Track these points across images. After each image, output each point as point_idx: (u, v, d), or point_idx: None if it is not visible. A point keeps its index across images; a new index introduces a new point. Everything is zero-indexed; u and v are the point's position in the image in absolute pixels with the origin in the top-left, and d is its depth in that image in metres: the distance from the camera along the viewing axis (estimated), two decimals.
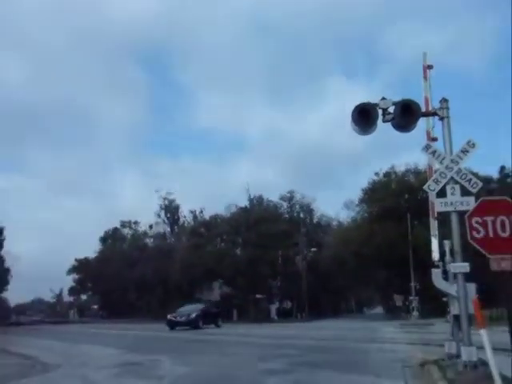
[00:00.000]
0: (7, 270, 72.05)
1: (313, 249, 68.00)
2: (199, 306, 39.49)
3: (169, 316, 36.79)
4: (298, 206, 76.63)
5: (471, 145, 10.92)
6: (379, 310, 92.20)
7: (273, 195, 76.31)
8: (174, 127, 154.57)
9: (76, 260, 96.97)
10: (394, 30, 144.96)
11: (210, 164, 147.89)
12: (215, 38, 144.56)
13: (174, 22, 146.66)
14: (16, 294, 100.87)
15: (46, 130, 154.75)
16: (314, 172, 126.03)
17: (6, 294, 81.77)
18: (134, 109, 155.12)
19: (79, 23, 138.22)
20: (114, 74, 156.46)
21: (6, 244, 71.73)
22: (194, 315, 35.69)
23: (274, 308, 63.40)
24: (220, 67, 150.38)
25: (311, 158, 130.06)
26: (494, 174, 57.88)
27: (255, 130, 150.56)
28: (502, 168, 58.88)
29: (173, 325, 35.42)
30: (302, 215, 76.64)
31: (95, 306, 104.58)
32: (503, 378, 7.52)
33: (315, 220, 79.58)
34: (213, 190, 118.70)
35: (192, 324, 35.06)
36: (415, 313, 48.79)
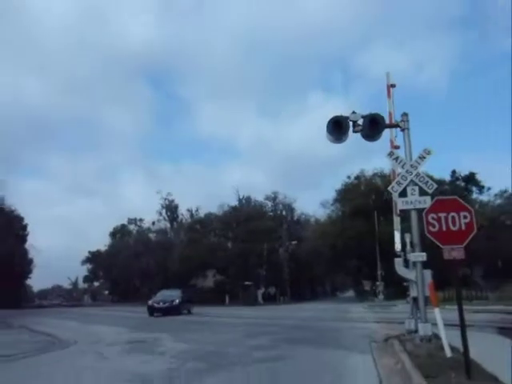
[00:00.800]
0: (31, 261, 71.96)
1: (294, 242, 68.06)
2: (179, 293, 32.79)
3: (150, 302, 31.41)
4: (280, 205, 76.66)
5: (427, 152, 11.08)
6: (351, 293, 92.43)
7: (260, 195, 76.47)
8: (175, 135, 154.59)
9: (89, 252, 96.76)
10: (367, 51, 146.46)
11: (205, 168, 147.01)
12: (212, 58, 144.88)
13: (176, 43, 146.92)
14: (38, 282, 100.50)
15: (64, 138, 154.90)
16: (297, 175, 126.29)
17: (29, 282, 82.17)
18: (140, 119, 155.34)
19: (92, 43, 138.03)
20: (123, 89, 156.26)
21: (29, 238, 71.58)
22: (177, 301, 30.48)
23: (260, 293, 63.43)
24: (216, 83, 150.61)
25: (294, 163, 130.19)
26: (447, 177, 58.57)
27: (246, 138, 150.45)
28: (453, 172, 59.54)
29: (154, 311, 30.26)
30: (284, 213, 76.68)
31: (106, 292, 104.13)
32: (452, 348, 7.65)
33: (296, 217, 79.63)
34: (207, 191, 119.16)
35: (175, 310, 29.87)
36: (381, 296, 49.04)
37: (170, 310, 29.40)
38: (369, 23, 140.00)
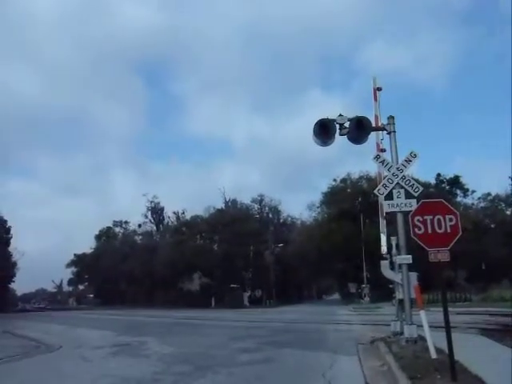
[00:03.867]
0: (14, 264, 71.36)
1: (280, 245, 67.96)
2: None
3: None
4: (267, 208, 76.68)
5: (413, 155, 11.17)
6: (336, 296, 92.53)
7: (251, 194, 76.08)
8: (167, 133, 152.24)
9: (74, 255, 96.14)
10: (366, 49, 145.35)
11: (196, 167, 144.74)
12: (207, 53, 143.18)
13: (171, 37, 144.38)
14: (22, 285, 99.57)
15: (49, 135, 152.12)
16: (289, 175, 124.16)
17: (13, 285, 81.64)
18: (132, 116, 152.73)
19: (85, 38, 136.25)
20: (115, 84, 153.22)
21: (12, 241, 71.11)
22: None
23: (246, 296, 63.30)
24: (211, 78, 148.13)
25: (287, 163, 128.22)
26: (432, 180, 59.10)
27: (238, 137, 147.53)
28: (438, 175, 60.15)
29: None
30: (270, 216, 76.73)
31: (91, 295, 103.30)
32: (437, 350, 7.70)
33: (282, 220, 79.69)
34: (197, 191, 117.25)
35: None
36: (366, 298, 49.12)
37: None
38: (369, 19, 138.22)
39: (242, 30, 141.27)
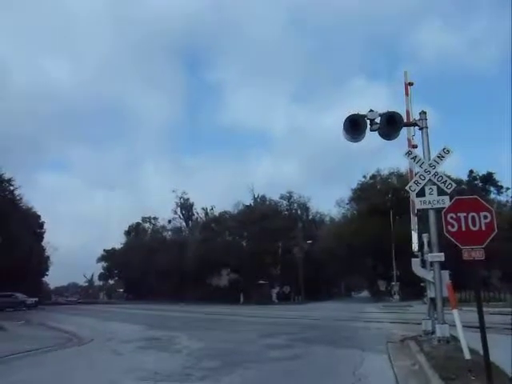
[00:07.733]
0: (47, 259, 73.07)
1: (308, 241, 67.71)
2: None
3: None
4: (295, 204, 76.46)
5: (446, 151, 10.97)
6: (365, 293, 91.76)
7: (286, 188, 75.21)
8: (201, 126, 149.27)
9: (105, 250, 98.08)
10: (413, 34, 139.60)
11: (228, 162, 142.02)
12: (247, 37, 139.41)
13: (211, 18, 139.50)
14: (55, 279, 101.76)
15: (83, 128, 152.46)
16: (326, 169, 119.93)
17: (46, 279, 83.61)
18: (166, 108, 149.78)
19: (124, 21, 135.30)
20: (151, 73, 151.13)
21: (45, 236, 72.80)
22: None
23: (274, 292, 63.37)
24: (249, 67, 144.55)
25: (325, 157, 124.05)
26: (464, 176, 58.01)
27: (276, 129, 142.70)
28: (471, 171, 58.96)
29: None
30: (299, 212, 76.51)
31: (121, 290, 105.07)
32: (471, 350, 7.53)
33: (310, 216, 79.39)
34: (228, 187, 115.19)
35: None
36: (396, 296, 48.60)
37: None
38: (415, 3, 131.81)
39: (283, 11, 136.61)
